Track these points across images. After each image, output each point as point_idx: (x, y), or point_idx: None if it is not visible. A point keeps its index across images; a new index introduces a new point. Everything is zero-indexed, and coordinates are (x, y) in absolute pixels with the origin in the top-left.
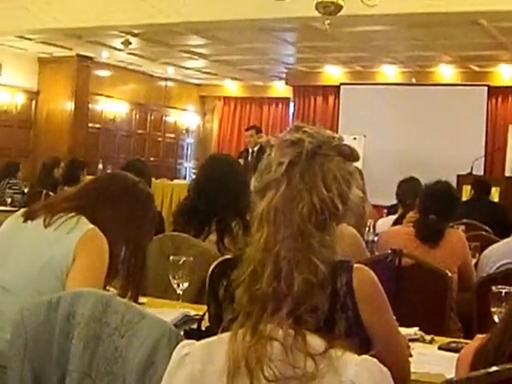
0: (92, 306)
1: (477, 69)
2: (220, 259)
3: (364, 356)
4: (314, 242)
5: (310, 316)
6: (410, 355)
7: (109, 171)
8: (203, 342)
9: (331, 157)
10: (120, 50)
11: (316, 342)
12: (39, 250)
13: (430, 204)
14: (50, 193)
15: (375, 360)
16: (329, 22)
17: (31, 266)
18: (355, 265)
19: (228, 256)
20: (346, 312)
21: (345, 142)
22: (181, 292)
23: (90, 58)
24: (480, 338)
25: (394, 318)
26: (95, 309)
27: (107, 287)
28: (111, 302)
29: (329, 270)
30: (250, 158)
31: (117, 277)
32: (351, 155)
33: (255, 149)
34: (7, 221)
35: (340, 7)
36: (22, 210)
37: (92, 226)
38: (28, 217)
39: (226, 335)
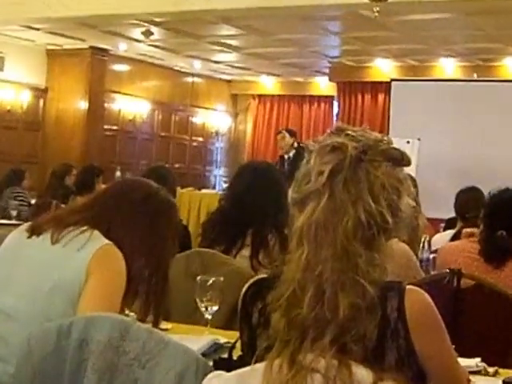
0: (108, 332)
1: None
2: (254, 279)
3: None
4: (360, 261)
5: (356, 344)
6: None
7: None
8: (234, 373)
9: (378, 163)
10: (140, 41)
11: (363, 373)
12: (46, 271)
13: (497, 216)
14: (62, 204)
15: None
16: (378, 9)
17: (37, 289)
18: (408, 286)
19: (263, 275)
20: (397, 340)
21: (394, 146)
22: (209, 317)
23: (106, 51)
24: None
25: (453, 347)
26: (112, 335)
27: (126, 311)
28: (130, 328)
29: (378, 292)
30: (286, 165)
31: (136, 299)
32: (401, 160)
33: (291, 154)
34: (10, 236)
35: None
36: (27, 223)
37: (107, 241)
38: (33, 231)
39: (260, 365)
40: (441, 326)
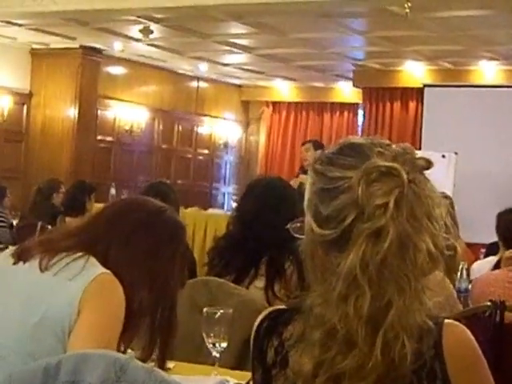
0: (102, 372)
1: None
2: (268, 310)
3: None
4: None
5: None
6: None
7: (124, 197)
8: None
9: (419, 179)
10: (138, 40)
11: None
12: (33, 302)
13: None
14: (48, 226)
15: None
16: (410, 5)
17: (23, 323)
18: (445, 321)
19: (279, 306)
20: (435, 382)
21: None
22: (217, 355)
23: (99, 51)
24: None
25: None
26: (107, 376)
27: (128, 350)
28: (127, 368)
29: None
30: None
31: (137, 336)
32: (428, 167)
33: None
34: None
35: None
36: (12, 248)
37: (103, 269)
38: (20, 257)
39: None
40: (484, 366)
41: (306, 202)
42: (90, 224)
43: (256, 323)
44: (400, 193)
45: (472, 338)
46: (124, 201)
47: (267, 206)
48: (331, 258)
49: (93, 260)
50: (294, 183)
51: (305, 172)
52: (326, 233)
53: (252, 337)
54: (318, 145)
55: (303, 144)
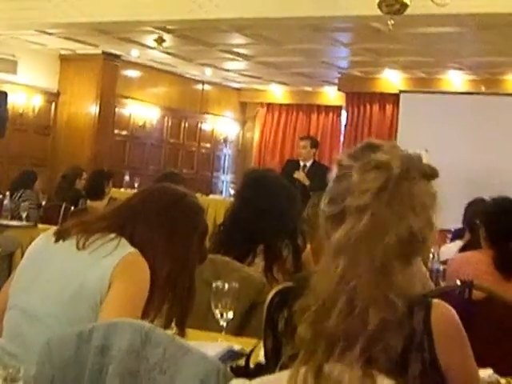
0: (129, 338)
1: None
2: (280, 287)
3: None
4: (396, 278)
5: (382, 356)
6: None
7: (136, 184)
8: (256, 381)
9: (416, 180)
10: (152, 48)
11: None
12: (70, 276)
13: (497, 226)
14: (71, 207)
15: None
16: (393, 22)
17: (61, 293)
18: (434, 300)
19: (288, 283)
20: (422, 353)
21: (425, 161)
22: (224, 324)
23: (118, 57)
24: None
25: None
26: (133, 342)
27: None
28: (151, 334)
29: (407, 306)
30: (300, 171)
31: (163, 305)
32: (432, 174)
33: (308, 163)
34: (37, 239)
35: (406, 6)
36: (54, 228)
37: (132, 249)
38: (60, 236)
39: (284, 373)
40: (465, 341)
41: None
42: (121, 209)
43: (269, 297)
44: (384, 183)
45: (456, 316)
46: (151, 188)
47: (262, 197)
48: (332, 231)
49: (124, 241)
50: (297, 175)
51: (298, 165)
52: (329, 209)
53: (265, 309)
54: (314, 142)
55: (302, 139)
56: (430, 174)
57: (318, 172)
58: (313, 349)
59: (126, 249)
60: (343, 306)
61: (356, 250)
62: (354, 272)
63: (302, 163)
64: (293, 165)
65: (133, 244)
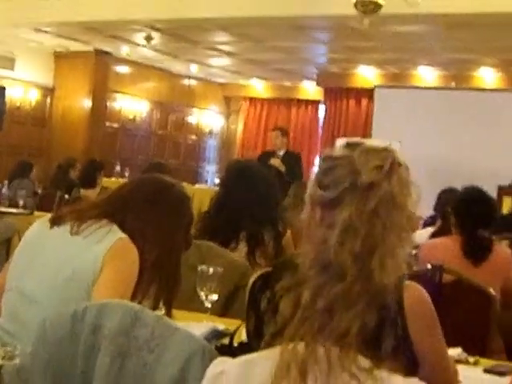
0: (120, 318)
1: None
2: (262, 271)
3: (411, 379)
4: (401, 252)
5: (359, 329)
6: (459, 382)
7: (126, 173)
8: (241, 358)
9: (403, 169)
10: (141, 45)
11: (361, 360)
12: (65, 259)
13: (465, 214)
14: (65, 195)
15: (422, 383)
16: (368, 21)
17: (56, 276)
18: (406, 282)
19: (269, 268)
20: (395, 330)
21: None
22: (209, 305)
23: (109, 54)
24: None
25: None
26: (123, 322)
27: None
28: (140, 315)
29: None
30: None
31: (151, 288)
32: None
33: (281, 153)
34: (33, 225)
35: (380, 6)
36: (49, 215)
37: (123, 234)
38: (55, 222)
39: (268, 351)
40: (435, 320)
41: (313, 178)
42: (112, 198)
43: (251, 280)
44: (392, 163)
45: (427, 296)
46: (141, 178)
47: (247, 186)
48: (327, 216)
49: (115, 228)
50: (273, 162)
51: (272, 154)
52: (326, 194)
53: (248, 292)
54: (284, 131)
55: (274, 130)
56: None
57: (291, 159)
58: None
59: (116, 234)
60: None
61: (370, 223)
62: (370, 244)
63: (276, 152)
64: (268, 154)
65: (123, 230)
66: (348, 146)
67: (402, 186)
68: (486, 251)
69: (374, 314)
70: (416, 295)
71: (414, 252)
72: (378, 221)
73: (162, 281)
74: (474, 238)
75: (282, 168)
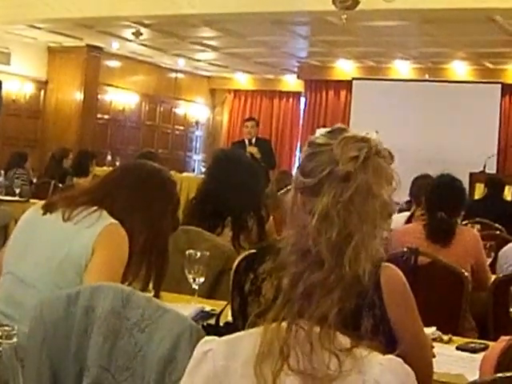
0: (112, 300)
1: (491, 66)
2: (245, 254)
3: (389, 356)
4: (379, 236)
5: (337, 311)
6: (434, 356)
7: (117, 162)
8: (227, 337)
9: (385, 159)
10: (131, 40)
11: (341, 340)
12: (57, 244)
13: (435, 199)
14: (59, 184)
15: (400, 360)
16: (346, 16)
17: (50, 260)
18: (383, 264)
19: (252, 251)
20: (373, 310)
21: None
22: (196, 287)
23: (100, 49)
24: (505, 339)
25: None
26: (115, 303)
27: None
28: (131, 297)
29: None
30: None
31: (140, 270)
32: (391, 158)
33: (252, 140)
34: (27, 212)
35: (357, 2)
36: (42, 202)
37: (112, 220)
38: (47, 209)
39: (253, 330)
40: (411, 299)
41: (297, 164)
42: (101, 184)
43: (235, 262)
44: (368, 153)
45: (403, 277)
46: (128, 163)
47: (224, 176)
48: (307, 202)
49: (105, 213)
50: (251, 149)
51: (250, 143)
52: (307, 181)
53: (232, 274)
54: (257, 122)
55: (248, 120)
56: (390, 157)
57: (263, 145)
58: (285, 301)
59: (106, 220)
60: (329, 261)
61: (346, 212)
62: (345, 232)
63: (247, 141)
64: (240, 144)
65: (113, 215)
66: (330, 132)
67: (378, 175)
68: (449, 234)
69: (352, 299)
70: (391, 274)
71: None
72: (353, 211)
73: (150, 263)
74: (436, 221)
75: (258, 155)
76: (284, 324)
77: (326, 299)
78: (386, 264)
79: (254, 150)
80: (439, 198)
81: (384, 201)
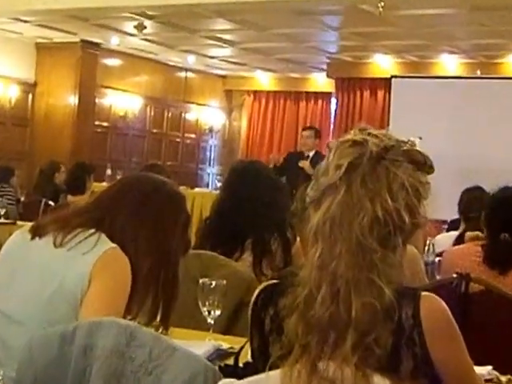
0: (114, 337)
1: None
2: (264, 284)
3: None
4: (375, 257)
5: (373, 353)
6: None
7: (118, 177)
8: (247, 380)
9: (399, 163)
10: (132, 35)
11: (379, 381)
12: (49, 274)
13: (498, 218)
14: (50, 202)
15: None
16: (383, 4)
17: (40, 292)
18: (423, 293)
19: (273, 281)
20: (413, 348)
21: (418, 149)
22: (212, 321)
23: (97, 45)
24: None
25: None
26: (118, 341)
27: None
28: (136, 334)
29: (394, 295)
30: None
31: (146, 302)
32: (424, 164)
33: (311, 154)
34: (12, 236)
35: None
36: (30, 224)
37: (112, 244)
38: (36, 233)
39: (274, 373)
40: (457, 333)
41: None
42: (98, 201)
43: (254, 295)
44: (357, 159)
45: (447, 308)
46: (128, 178)
47: (249, 190)
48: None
49: (103, 237)
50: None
51: (302, 155)
52: (311, 195)
53: (250, 308)
54: (317, 133)
55: (304, 129)
56: (421, 162)
57: (320, 162)
58: (305, 343)
59: (105, 245)
60: (326, 292)
61: (331, 231)
62: (332, 254)
63: (306, 154)
64: (297, 155)
65: (112, 238)
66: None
67: (372, 184)
68: (510, 259)
69: (388, 331)
70: (433, 307)
71: (437, 260)
72: (336, 230)
73: (157, 293)
74: (498, 243)
75: (311, 171)
76: (305, 373)
77: (344, 338)
78: (427, 293)
79: (305, 164)
80: (504, 217)
81: (375, 217)
